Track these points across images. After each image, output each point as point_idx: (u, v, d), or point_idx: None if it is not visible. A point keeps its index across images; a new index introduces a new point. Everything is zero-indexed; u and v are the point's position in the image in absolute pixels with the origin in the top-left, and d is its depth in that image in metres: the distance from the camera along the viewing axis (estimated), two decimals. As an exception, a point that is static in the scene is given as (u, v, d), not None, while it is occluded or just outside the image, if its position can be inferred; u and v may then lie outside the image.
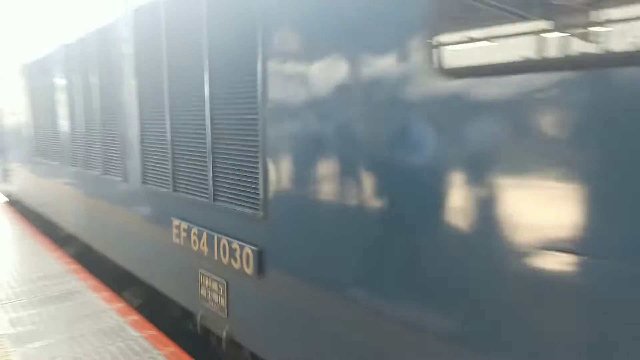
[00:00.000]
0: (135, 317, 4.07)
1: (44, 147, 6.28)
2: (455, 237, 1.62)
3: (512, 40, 2.03)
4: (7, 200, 9.52)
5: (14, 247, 6.07)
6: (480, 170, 1.54)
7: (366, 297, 1.95)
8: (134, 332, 3.78)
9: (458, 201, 1.61)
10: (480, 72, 1.51)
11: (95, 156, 4.68)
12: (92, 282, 4.88)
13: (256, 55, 2.46)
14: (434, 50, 1.63)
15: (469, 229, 1.58)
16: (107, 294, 4.57)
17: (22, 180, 7.58)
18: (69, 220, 5.71)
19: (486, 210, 1.53)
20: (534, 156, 1.39)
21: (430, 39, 1.63)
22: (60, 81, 5.45)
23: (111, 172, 4.37)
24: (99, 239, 4.87)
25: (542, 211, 1.40)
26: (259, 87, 2.47)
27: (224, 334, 2.97)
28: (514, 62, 1.48)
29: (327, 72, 2.07)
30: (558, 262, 1.37)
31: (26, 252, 5.84)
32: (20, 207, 8.71)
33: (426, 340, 1.74)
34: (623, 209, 1.24)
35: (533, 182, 1.41)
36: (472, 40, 2.00)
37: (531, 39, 1.97)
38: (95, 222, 4.90)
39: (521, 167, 1.43)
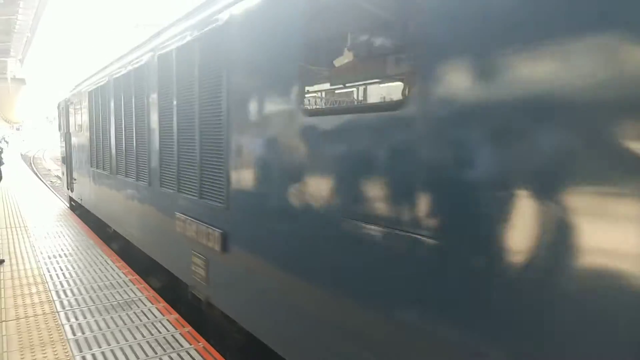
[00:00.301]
0: (188, 329, 4.11)
1: (97, 159, 7.58)
2: (313, 217, 2.55)
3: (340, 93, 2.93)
4: (72, 204, 10.69)
5: (82, 256, 6.41)
6: (323, 171, 2.47)
7: (293, 266, 2.76)
8: (186, 344, 3.81)
9: (313, 194, 2.56)
10: (319, 113, 2.50)
11: (130, 166, 5.82)
12: (150, 293, 5.01)
13: (223, 91, 3.45)
14: (302, 98, 2.63)
15: (325, 213, 2.48)
16: (163, 304, 4.67)
17: (81, 186, 9.10)
18: (111, 217, 7.05)
19: (320, 196, 2.50)
20: (333, 160, 2.39)
21: (301, 91, 2.64)
22: (108, 107, 6.69)
23: (141, 178, 5.43)
24: (132, 232, 6.05)
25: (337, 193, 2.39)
26: (224, 114, 3.42)
27: (204, 298, 3.96)
28: (331, 108, 2.62)
29: (260, 105, 3.05)
30: (344, 225, 2.34)
31: (92, 262, 6.13)
32: (80, 212, 9.79)
33: (328, 293, 2.53)
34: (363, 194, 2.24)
35: (334, 178, 2.42)
36: (318, 93, 2.92)
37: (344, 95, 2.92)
38: (131, 219, 5.99)
39: (331, 167, 2.40)
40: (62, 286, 5.15)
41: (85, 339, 3.87)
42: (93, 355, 3.58)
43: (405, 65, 2.00)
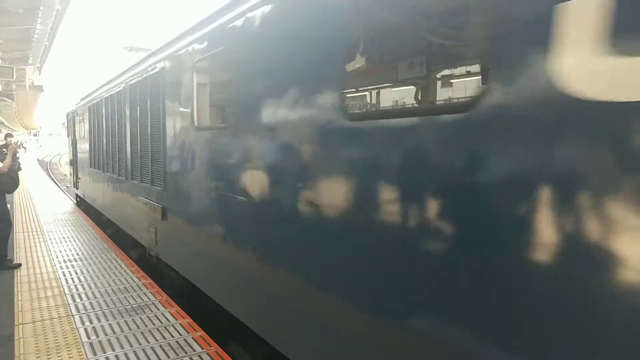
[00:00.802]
0: (200, 333, 4.13)
1: (94, 161, 9.22)
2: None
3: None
4: (77, 200, 12.38)
5: (96, 260, 6.49)
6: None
7: (204, 227, 4.09)
8: (198, 348, 3.83)
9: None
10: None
11: (115, 166, 7.42)
12: (164, 297, 5.05)
13: (162, 111, 5.11)
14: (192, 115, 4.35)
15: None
16: (176, 309, 4.70)
17: (84, 183, 10.82)
18: (103, 206, 8.76)
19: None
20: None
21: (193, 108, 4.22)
22: (101, 120, 8.39)
23: (121, 174, 7.02)
24: (115, 215, 7.75)
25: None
26: (162, 128, 5.11)
27: (155, 255, 5.63)
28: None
29: (177, 121, 4.68)
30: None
31: (107, 266, 6.21)
32: (85, 207, 11.21)
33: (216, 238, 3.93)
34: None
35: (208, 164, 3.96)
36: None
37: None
38: (115, 205, 7.64)
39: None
40: (77, 290, 5.22)
41: (100, 342, 3.91)
42: (107, 358, 3.62)
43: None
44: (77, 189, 11.80)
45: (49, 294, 5.09)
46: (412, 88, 2.36)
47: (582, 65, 1.43)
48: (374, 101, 2.49)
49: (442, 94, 2.18)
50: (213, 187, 3.82)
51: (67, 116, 12.90)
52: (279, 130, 2.81)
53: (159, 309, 4.68)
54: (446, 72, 2.20)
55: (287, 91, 2.69)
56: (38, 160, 35.50)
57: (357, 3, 2.18)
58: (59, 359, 3.61)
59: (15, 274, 5.78)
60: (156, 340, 3.98)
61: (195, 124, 4.18)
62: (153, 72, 5.34)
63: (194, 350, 3.79)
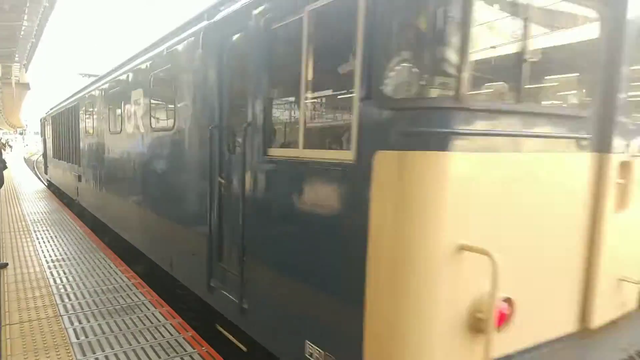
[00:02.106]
0: (191, 333, 4.09)
1: (56, 153, 12.71)
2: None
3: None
4: (48, 183, 16.04)
5: (85, 259, 6.40)
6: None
7: (95, 188, 8.01)
8: (189, 348, 3.79)
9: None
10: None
11: (65, 155, 10.72)
12: (154, 297, 5.00)
13: (77, 124, 9.57)
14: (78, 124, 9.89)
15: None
16: (166, 308, 4.65)
17: (50, 170, 14.88)
18: (59, 183, 12.42)
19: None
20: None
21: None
22: (60, 126, 11.68)
23: (66, 160, 10.53)
24: (66, 188, 11.27)
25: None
26: (77, 132, 9.48)
27: (77, 202, 9.82)
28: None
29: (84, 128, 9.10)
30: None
31: (96, 265, 6.12)
32: (53, 189, 14.55)
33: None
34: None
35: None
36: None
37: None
38: (65, 180, 11.08)
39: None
40: (66, 290, 5.14)
41: (89, 342, 3.85)
42: (96, 359, 3.57)
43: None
44: (46, 174, 16.34)
45: (37, 294, 5.00)
46: (164, 117, 4.70)
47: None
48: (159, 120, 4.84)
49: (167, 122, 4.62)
50: (99, 163, 7.55)
51: (40, 121, 17.85)
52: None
53: (149, 309, 4.62)
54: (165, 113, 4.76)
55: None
56: (24, 159, 34.97)
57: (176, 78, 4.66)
58: (47, 359, 3.55)
59: (2, 274, 5.67)
60: (147, 340, 3.93)
61: (83, 131, 9.02)
62: (73, 104, 10.01)
63: (185, 350, 3.75)
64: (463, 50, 1.82)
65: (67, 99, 11.07)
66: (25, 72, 17.56)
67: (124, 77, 5.92)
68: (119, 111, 6.09)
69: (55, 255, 6.60)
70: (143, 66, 5.15)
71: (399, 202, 1.87)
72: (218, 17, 3.46)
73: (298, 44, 2.48)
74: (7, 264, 6.02)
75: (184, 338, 3.97)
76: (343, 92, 2.82)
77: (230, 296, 3.31)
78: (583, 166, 2.38)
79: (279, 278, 2.66)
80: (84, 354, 3.65)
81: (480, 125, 1.95)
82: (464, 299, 1.92)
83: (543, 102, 2.81)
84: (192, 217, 3.96)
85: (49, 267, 6.00)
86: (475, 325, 1.94)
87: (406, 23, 1.94)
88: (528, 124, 2.10)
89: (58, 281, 5.43)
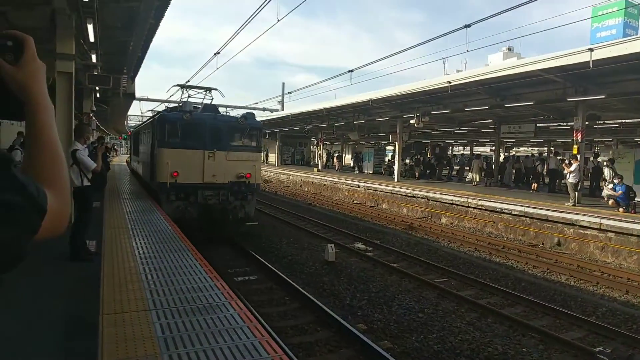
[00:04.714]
0: (267, 338, 4.13)
1: (135, 152, 22.61)
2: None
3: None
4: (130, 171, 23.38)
5: (173, 258, 6.78)
6: None
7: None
8: (264, 353, 3.82)
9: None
10: None
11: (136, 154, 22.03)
12: (233, 298, 5.14)
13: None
14: None
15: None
16: (244, 311, 4.76)
17: (132, 162, 25.21)
18: (134, 167, 23.72)
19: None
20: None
21: None
22: (138, 141, 21.44)
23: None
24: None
25: None
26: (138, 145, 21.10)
27: None
28: None
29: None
30: None
31: (183, 264, 6.46)
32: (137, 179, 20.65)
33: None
34: None
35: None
36: None
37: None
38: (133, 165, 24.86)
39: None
40: (155, 285, 5.47)
41: (173, 338, 4.04)
42: (179, 355, 3.72)
43: None
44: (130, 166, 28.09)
45: (130, 287, 5.37)
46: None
47: None
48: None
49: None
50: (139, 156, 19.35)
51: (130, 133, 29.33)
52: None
53: (228, 310, 4.76)
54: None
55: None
56: (127, 162, 38.25)
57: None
58: (135, 350, 3.77)
59: (102, 266, 6.19)
60: (225, 341, 4.03)
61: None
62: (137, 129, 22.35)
63: (260, 355, 3.78)
64: None
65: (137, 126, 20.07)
66: (132, 83, 19.25)
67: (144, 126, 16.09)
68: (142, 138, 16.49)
69: (148, 252, 7.07)
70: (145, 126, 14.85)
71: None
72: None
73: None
74: (96, 253, 6.54)
75: (259, 342, 4.02)
76: None
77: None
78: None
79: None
80: (168, 349, 3.82)
81: None
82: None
83: None
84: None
85: (142, 263, 6.44)
86: None
87: None
88: None
89: (149, 277, 5.80)
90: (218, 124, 13.85)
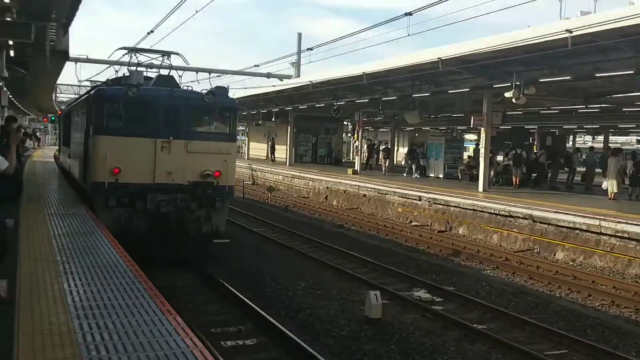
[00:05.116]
0: None
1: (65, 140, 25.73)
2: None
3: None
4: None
5: (125, 308, 6.66)
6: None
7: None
8: None
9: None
10: None
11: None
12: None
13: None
14: None
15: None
16: None
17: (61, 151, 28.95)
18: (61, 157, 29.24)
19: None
20: None
21: None
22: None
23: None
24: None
25: None
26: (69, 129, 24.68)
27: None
28: None
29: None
30: None
31: (140, 321, 6.33)
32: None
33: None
34: None
35: None
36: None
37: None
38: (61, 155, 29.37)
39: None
40: (100, 353, 5.34)
41: None
42: None
43: None
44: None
45: (60, 355, 5.23)
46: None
47: None
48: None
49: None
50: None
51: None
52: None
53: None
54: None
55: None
56: (56, 157, 38.09)
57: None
58: None
59: (16, 320, 6.10)
60: None
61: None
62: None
63: None
64: None
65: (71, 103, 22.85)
66: (64, 34, 19.35)
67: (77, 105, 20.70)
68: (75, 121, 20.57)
69: (88, 299, 6.96)
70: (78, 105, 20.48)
71: None
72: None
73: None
74: (6, 300, 6.44)
75: None
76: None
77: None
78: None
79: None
80: None
81: None
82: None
83: None
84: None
85: (78, 316, 6.33)
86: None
87: None
88: None
89: (90, 339, 5.66)
90: (175, 103, 14.56)
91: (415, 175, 34.43)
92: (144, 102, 14.20)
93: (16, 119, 22.63)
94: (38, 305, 6.72)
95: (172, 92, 14.79)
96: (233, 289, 12.42)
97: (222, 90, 16.17)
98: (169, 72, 17.04)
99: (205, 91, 15.51)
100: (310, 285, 13.78)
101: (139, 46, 21.95)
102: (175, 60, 18.77)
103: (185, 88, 16.40)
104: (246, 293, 12.23)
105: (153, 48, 19.30)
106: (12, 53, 19.67)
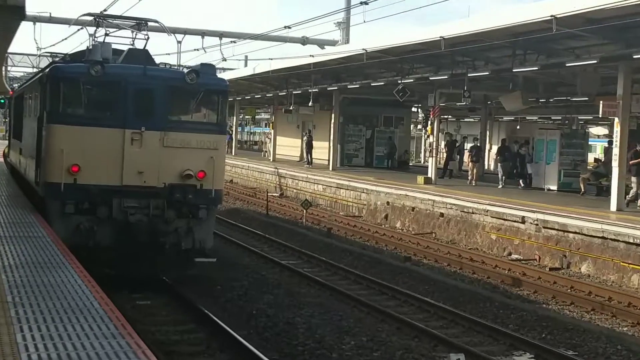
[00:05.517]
0: None
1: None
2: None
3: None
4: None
5: None
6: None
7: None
8: None
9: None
10: None
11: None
12: None
13: None
14: None
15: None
16: None
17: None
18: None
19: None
20: None
21: None
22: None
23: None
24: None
25: None
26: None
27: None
28: None
29: None
30: None
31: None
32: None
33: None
34: None
35: None
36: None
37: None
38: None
39: None
40: None
41: None
42: None
43: None
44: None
45: None
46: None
47: None
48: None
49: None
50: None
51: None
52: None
53: None
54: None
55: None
56: (5, 156, 38.61)
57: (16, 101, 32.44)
58: None
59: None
60: None
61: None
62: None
63: None
64: None
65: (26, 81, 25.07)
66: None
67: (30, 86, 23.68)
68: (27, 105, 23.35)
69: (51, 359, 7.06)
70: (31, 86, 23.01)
71: None
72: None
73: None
74: None
75: None
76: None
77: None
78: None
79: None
80: None
81: None
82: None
83: None
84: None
85: None
86: None
87: None
88: None
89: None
90: (149, 84, 15.57)
91: (520, 185, 34.14)
92: (109, 83, 15.21)
93: None
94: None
95: (144, 70, 15.49)
96: (256, 351, 12.32)
97: (208, 69, 17.07)
98: (145, 45, 18.22)
99: (186, 70, 16.42)
100: (363, 344, 13.70)
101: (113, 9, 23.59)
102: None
103: (163, 66, 17.77)
104: (272, 353, 12.24)
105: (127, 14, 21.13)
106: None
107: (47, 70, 16.98)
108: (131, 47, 17.95)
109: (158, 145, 15.07)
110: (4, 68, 49.21)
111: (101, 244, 14.46)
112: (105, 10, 23.56)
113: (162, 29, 22.18)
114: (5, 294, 9.53)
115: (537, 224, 23.65)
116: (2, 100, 55.58)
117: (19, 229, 14.97)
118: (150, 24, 18.76)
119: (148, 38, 18.55)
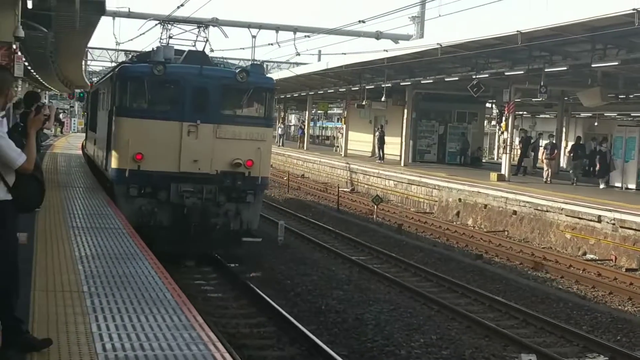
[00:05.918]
0: None
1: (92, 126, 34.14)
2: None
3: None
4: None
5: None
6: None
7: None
8: None
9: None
10: None
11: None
12: None
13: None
14: None
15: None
16: None
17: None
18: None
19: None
20: None
21: None
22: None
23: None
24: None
25: None
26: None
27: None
28: None
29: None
30: None
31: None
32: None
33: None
34: None
35: None
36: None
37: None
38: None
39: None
40: None
41: None
42: None
43: None
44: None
45: None
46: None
47: None
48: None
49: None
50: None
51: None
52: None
53: None
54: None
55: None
56: (83, 148, 39.13)
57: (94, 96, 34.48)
58: None
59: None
60: None
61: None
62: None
63: None
64: None
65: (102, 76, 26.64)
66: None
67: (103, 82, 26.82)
68: (101, 100, 26.18)
69: (125, 349, 7.21)
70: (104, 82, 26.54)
71: None
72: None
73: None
74: (49, 342, 6.68)
75: None
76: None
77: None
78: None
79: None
80: None
81: None
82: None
83: None
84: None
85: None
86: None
87: None
88: None
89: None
90: (204, 82, 17.89)
91: (602, 185, 33.53)
92: (169, 81, 17.64)
93: (39, 96, 23.26)
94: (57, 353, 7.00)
95: (200, 70, 17.58)
96: (325, 346, 12.40)
97: (257, 69, 19.70)
98: (205, 47, 20.41)
99: (238, 69, 18.46)
100: (432, 342, 13.71)
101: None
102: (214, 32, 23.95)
103: (219, 66, 19.85)
104: (341, 349, 12.29)
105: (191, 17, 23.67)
106: (29, 4, 20.21)
107: (117, 69, 19.14)
108: (191, 48, 19.87)
109: (211, 137, 17.29)
110: (84, 62, 50.12)
111: (161, 224, 16.44)
112: (182, 5, 26.21)
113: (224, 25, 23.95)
114: (82, 284, 9.76)
115: (614, 224, 23.27)
116: (82, 94, 57.32)
117: (96, 220, 15.38)
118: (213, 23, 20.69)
119: (207, 40, 20.59)
